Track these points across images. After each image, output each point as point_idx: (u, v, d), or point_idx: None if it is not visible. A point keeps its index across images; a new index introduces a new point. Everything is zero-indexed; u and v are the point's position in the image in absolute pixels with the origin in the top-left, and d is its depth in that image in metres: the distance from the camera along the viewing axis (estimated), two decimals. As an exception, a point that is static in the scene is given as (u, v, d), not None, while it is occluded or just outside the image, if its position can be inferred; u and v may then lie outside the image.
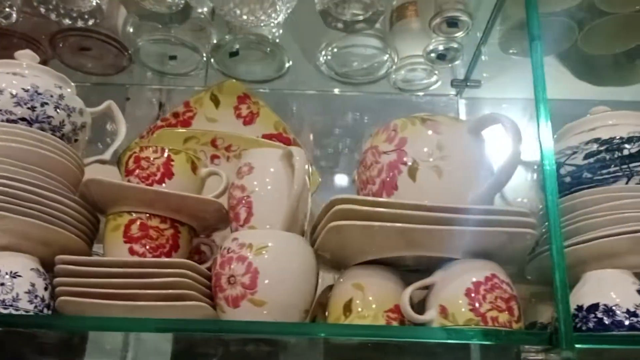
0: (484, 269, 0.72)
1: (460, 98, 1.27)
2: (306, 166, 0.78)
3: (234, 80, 1.11)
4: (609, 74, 1.24)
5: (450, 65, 1.16)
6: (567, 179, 0.86)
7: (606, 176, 0.83)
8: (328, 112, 1.34)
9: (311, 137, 1.32)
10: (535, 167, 0.92)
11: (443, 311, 0.71)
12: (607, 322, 0.70)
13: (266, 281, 0.72)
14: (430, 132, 0.80)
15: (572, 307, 0.74)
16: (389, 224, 0.70)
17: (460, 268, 0.73)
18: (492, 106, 1.31)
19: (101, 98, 0.99)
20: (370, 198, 0.73)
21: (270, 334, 0.75)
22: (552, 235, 0.71)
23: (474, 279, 0.71)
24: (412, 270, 0.80)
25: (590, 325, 0.71)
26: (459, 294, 0.71)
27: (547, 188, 0.73)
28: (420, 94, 1.25)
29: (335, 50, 1.16)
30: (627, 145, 0.83)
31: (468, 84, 1.22)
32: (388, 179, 0.79)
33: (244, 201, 0.78)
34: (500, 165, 0.75)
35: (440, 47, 1.12)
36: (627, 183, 0.82)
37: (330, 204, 0.74)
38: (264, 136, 1.07)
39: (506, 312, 0.70)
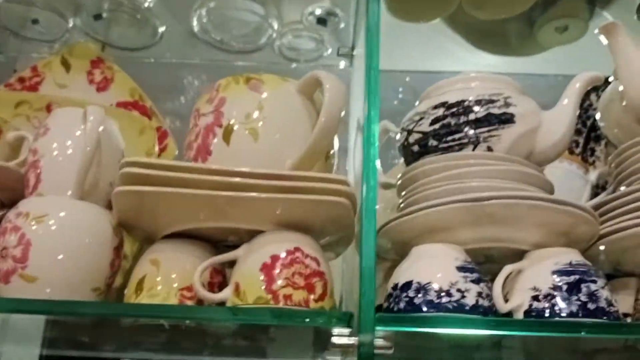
0: (287, 241, 0.64)
1: (353, 69, 1.18)
2: (102, 128, 0.70)
3: (87, 43, 1.02)
4: (511, 43, 1.17)
5: (332, 31, 1.08)
6: (415, 148, 0.77)
7: (451, 143, 0.74)
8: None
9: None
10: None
11: (237, 289, 0.62)
12: (417, 302, 0.62)
13: (39, 254, 0.63)
14: (252, 91, 0.72)
15: (390, 285, 0.66)
16: (166, 189, 0.62)
17: (262, 241, 0.65)
18: (394, 79, 1.23)
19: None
20: (159, 161, 0.65)
21: (40, 314, 0.67)
22: (364, 208, 0.63)
23: (273, 253, 0.63)
24: (232, 246, 0.71)
25: (402, 305, 0.63)
26: (255, 270, 0.62)
27: (364, 159, 0.65)
28: (312, 64, 1.16)
29: (209, 11, 1.07)
30: (474, 109, 0.74)
31: (354, 53, 1.13)
32: (203, 144, 0.71)
33: (35, 166, 0.70)
34: (316, 129, 0.67)
35: (318, 11, 1.04)
36: (473, 150, 0.74)
37: (119, 167, 0.66)
38: (119, 104, 0.98)
39: (304, 290, 0.61)
